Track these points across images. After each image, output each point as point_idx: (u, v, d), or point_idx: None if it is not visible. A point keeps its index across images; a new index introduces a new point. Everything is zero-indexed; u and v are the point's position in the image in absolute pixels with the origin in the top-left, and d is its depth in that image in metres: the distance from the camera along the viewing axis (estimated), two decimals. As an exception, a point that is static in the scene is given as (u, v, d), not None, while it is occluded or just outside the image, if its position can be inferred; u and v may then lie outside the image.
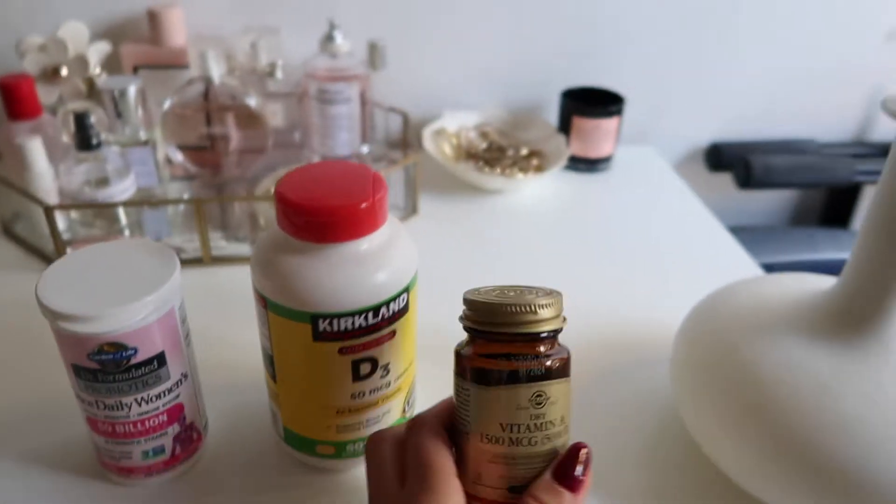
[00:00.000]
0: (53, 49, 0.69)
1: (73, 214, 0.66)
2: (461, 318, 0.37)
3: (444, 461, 0.35)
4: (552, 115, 0.90)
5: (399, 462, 0.36)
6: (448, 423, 0.37)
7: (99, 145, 0.63)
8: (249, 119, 0.74)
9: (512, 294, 0.36)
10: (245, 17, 0.79)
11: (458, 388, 0.37)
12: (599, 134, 0.83)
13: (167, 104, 0.71)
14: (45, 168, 0.63)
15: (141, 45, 0.74)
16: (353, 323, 0.38)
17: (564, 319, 0.36)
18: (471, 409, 0.36)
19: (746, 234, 0.86)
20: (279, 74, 0.76)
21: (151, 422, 0.41)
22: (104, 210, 0.65)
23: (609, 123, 0.83)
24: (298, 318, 0.38)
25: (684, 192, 0.83)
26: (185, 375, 0.42)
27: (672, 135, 0.96)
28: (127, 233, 0.67)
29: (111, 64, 0.75)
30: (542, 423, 0.35)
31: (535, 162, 0.82)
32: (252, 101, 0.72)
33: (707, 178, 0.99)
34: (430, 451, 0.35)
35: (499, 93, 0.90)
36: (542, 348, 0.35)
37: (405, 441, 0.37)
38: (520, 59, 0.88)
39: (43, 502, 0.42)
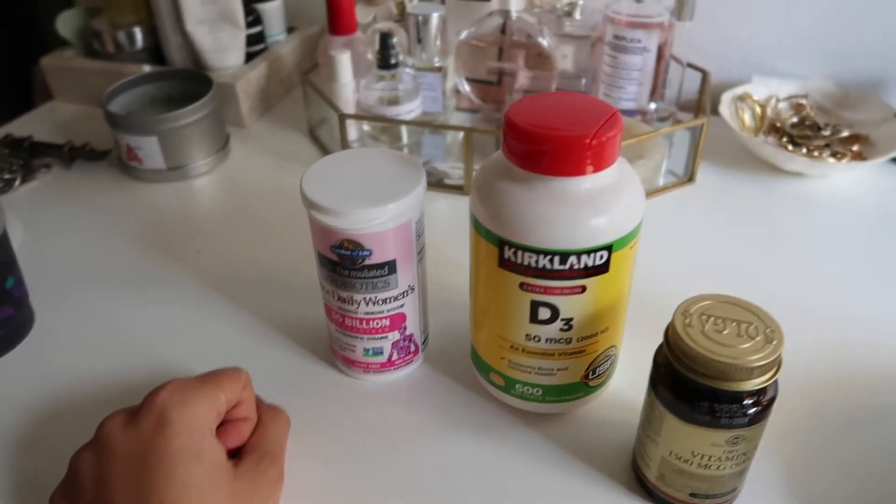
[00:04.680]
0: (377, -27, 0.75)
1: (365, 126, 0.72)
2: (660, 350, 0.36)
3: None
4: (895, 95, 0.74)
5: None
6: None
7: (396, 65, 0.67)
8: (539, 59, 0.73)
9: (727, 332, 0.33)
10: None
11: (650, 401, 0.37)
12: (955, 126, 0.66)
13: (464, 34, 0.72)
14: (349, 80, 0.69)
15: (453, -25, 0.77)
16: (536, 261, 0.36)
17: (779, 366, 0.33)
18: (662, 429, 0.36)
19: None
20: (577, 15, 0.73)
21: (375, 323, 0.43)
22: (390, 126, 0.70)
23: (973, 115, 0.65)
24: (490, 240, 0.37)
25: None
26: (412, 288, 0.43)
27: None
28: (406, 151, 0.72)
29: (424, -8, 0.79)
30: (735, 456, 0.35)
31: (855, 148, 0.68)
32: (545, 41, 0.71)
33: None
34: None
35: (823, 63, 0.76)
36: (748, 400, 0.33)
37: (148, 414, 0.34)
38: (858, 26, 0.74)
39: (276, 368, 0.48)
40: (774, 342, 0.33)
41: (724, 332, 0.33)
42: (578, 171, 0.35)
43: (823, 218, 0.63)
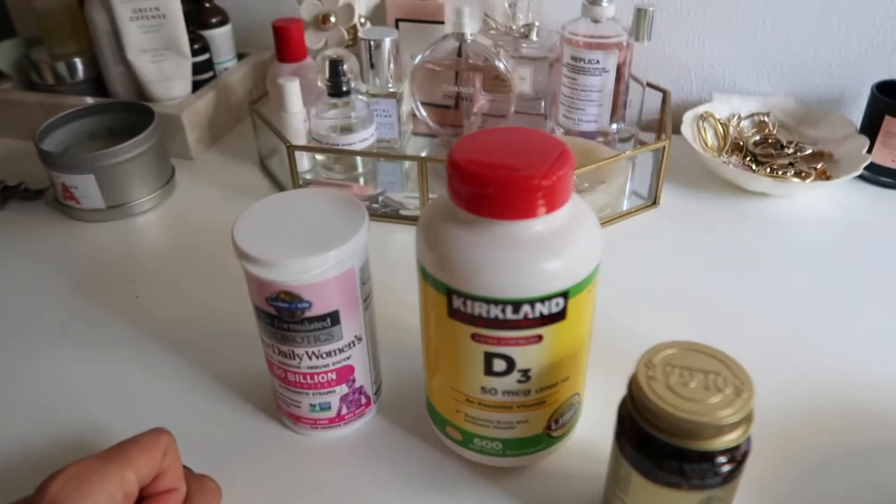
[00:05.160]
0: (327, -3, 0.72)
1: (318, 157, 0.69)
2: (624, 402, 0.33)
3: None
4: (856, 112, 0.73)
5: None
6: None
7: (348, 92, 0.64)
8: (496, 82, 0.71)
9: (693, 385, 0.30)
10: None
11: (616, 457, 0.34)
12: (918, 142, 0.65)
13: (418, 58, 0.70)
14: (298, 109, 0.67)
15: (406, -3, 0.75)
16: (487, 311, 0.33)
17: (752, 420, 0.31)
18: (630, 489, 0.33)
19: None
20: (534, 37, 0.71)
21: (320, 378, 0.40)
22: (344, 156, 0.67)
23: (935, 130, 0.64)
24: (438, 288, 0.34)
25: None
26: (358, 338, 0.40)
27: None
28: (362, 181, 0.69)
29: (377, 15, 0.77)
30: None
31: (819, 166, 0.67)
32: (501, 64, 0.69)
33: None
34: None
35: (785, 80, 0.75)
36: (721, 458, 0.31)
37: None
38: (820, 42, 0.73)
39: (217, 426, 0.45)
40: (744, 394, 0.30)
41: (691, 385, 0.31)
42: (528, 213, 0.32)
43: (789, 239, 0.61)
